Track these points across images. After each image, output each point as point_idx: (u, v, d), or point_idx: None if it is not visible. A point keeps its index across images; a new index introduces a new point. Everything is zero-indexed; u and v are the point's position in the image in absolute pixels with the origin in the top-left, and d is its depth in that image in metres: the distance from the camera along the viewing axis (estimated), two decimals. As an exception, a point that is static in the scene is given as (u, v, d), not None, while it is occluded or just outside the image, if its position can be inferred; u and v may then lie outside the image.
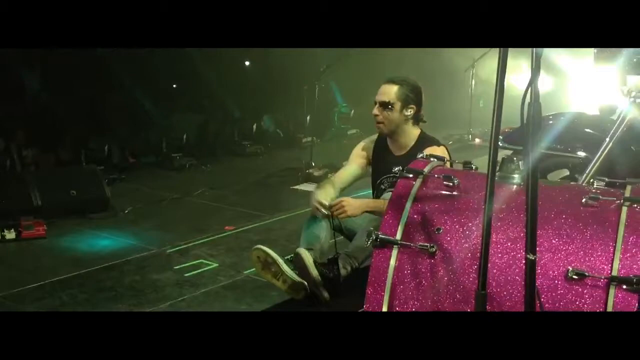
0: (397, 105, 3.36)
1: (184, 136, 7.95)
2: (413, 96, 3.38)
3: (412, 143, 3.43)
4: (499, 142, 1.71)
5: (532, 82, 1.55)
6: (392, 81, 3.39)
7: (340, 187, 3.50)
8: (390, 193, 3.13)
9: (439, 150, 3.29)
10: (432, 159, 2.49)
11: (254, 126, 8.77)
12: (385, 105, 3.37)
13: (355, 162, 3.62)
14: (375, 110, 3.41)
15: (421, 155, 2.57)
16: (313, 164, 7.13)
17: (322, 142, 8.83)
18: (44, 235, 4.72)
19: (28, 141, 6.34)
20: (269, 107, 8.92)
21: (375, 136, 3.62)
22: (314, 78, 7.25)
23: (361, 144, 3.65)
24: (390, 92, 3.37)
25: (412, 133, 3.44)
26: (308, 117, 7.84)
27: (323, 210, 3.22)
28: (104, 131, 7.06)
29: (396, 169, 2.35)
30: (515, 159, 2.26)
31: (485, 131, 9.34)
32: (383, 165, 3.51)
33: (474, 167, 2.52)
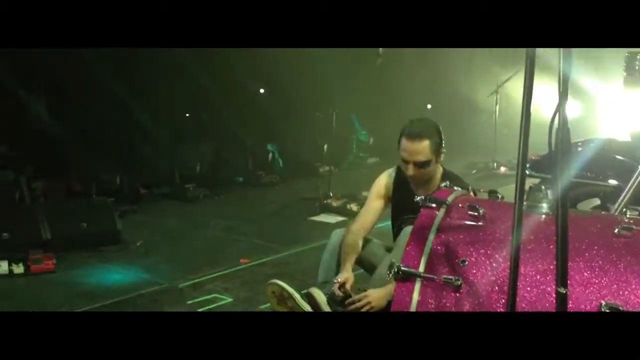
0: (434, 159, 3.34)
1: (197, 166, 8.02)
2: (440, 141, 3.34)
3: (436, 185, 3.38)
4: (526, 170, 1.71)
5: (560, 107, 1.54)
6: (419, 136, 3.28)
7: (367, 234, 3.48)
8: (405, 232, 3.13)
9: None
10: (455, 188, 2.48)
11: (270, 155, 8.84)
12: (423, 165, 3.31)
13: (378, 201, 3.58)
14: (412, 171, 3.31)
15: (444, 184, 2.56)
16: (331, 194, 7.14)
17: (340, 171, 8.86)
18: (53, 269, 4.76)
19: (37, 173, 6.42)
20: (284, 134, 8.98)
21: (393, 169, 3.58)
22: (327, 105, 7.31)
23: (381, 180, 3.59)
24: (423, 150, 3.28)
25: (437, 173, 3.42)
26: (325, 146, 7.88)
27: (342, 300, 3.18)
28: (115, 162, 7.14)
29: (418, 198, 2.34)
30: (543, 187, 2.25)
31: (511, 159, 9.33)
32: (404, 204, 3.47)
33: (499, 196, 2.51)
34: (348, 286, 3.17)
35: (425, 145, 3.29)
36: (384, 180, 3.59)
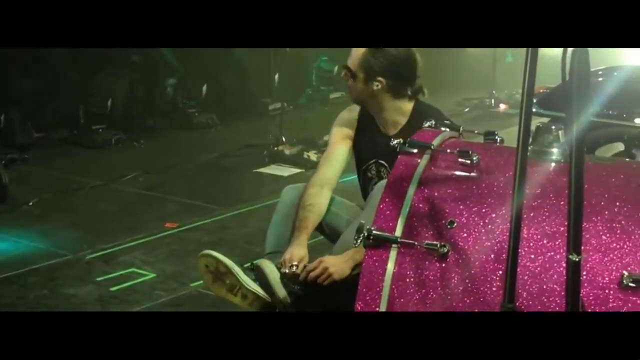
0: (360, 75, 3.35)
1: (109, 102, 7.89)
2: (381, 68, 3.33)
3: (405, 119, 3.43)
4: (533, 107, 1.72)
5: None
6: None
7: (331, 189, 3.48)
8: (379, 187, 3.15)
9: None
10: (443, 129, 2.49)
11: (204, 88, 8.74)
12: (348, 72, 3.38)
13: (341, 144, 3.59)
14: (342, 73, 3.44)
15: (429, 123, 2.56)
16: (283, 139, 7.13)
17: (295, 109, 8.83)
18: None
19: None
20: (223, 63, 8.87)
21: (354, 108, 3.60)
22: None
23: (343, 117, 3.62)
24: (354, 57, 3.33)
25: (401, 108, 3.43)
26: (276, 76, 7.82)
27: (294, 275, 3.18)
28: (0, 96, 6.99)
29: (395, 141, 2.34)
30: (553, 127, 2.27)
31: (513, 94, 9.43)
32: (369, 146, 3.50)
33: (498, 139, 2.53)
34: (301, 267, 3.17)
35: (359, 52, 3.30)
36: (345, 116, 3.61)
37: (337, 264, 3.10)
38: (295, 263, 3.16)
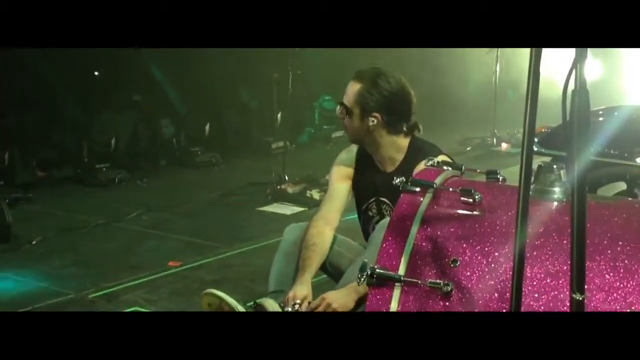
0: (357, 111, 3.37)
1: (112, 141, 7.93)
2: (376, 104, 3.35)
3: (401, 156, 3.44)
4: (534, 146, 1.73)
5: (577, 64, 1.56)
6: (357, 78, 3.39)
7: (334, 228, 3.49)
8: (382, 227, 3.15)
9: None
10: (445, 167, 2.50)
11: (207, 127, 8.78)
12: (345, 110, 3.40)
13: (341, 183, 3.60)
14: (338, 113, 3.46)
15: (431, 162, 2.57)
16: (286, 178, 7.14)
17: (298, 148, 8.86)
18: None
19: None
20: (228, 101, 8.92)
21: (353, 148, 3.62)
22: (287, 64, 7.27)
23: (341, 157, 3.63)
24: (350, 93, 3.37)
25: (395, 143, 3.44)
26: (279, 115, 7.86)
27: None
28: (2, 134, 7.00)
29: (397, 180, 2.35)
30: (555, 167, 2.27)
31: (514, 133, 9.46)
32: (368, 184, 3.52)
33: (500, 177, 2.54)
34: (305, 305, 3.16)
35: (354, 87, 3.36)
36: (344, 157, 3.64)
37: (340, 298, 3.09)
38: (298, 301, 3.15)
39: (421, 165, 3.18)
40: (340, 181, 3.58)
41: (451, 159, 3.33)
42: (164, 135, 8.52)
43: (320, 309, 3.07)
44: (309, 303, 3.15)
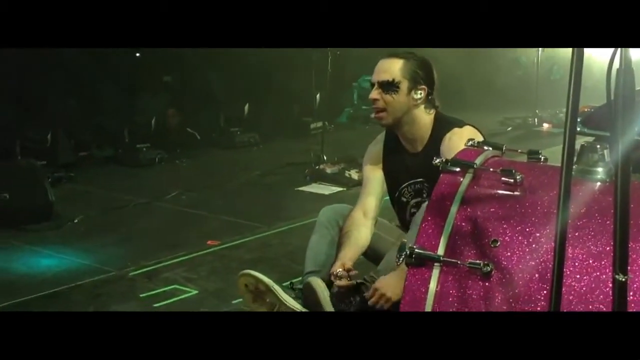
0: (404, 85, 3.35)
1: (152, 121, 8.00)
2: (423, 74, 3.36)
3: (428, 133, 3.42)
4: (577, 126, 1.71)
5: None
6: (395, 55, 3.39)
7: (375, 215, 3.50)
8: (423, 206, 3.14)
9: (466, 132, 3.26)
10: (485, 147, 2.48)
11: (246, 107, 8.81)
12: (387, 87, 3.34)
13: (375, 171, 3.60)
14: (374, 94, 3.38)
15: (471, 142, 2.56)
16: (325, 158, 7.15)
17: (337, 129, 8.85)
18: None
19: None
20: (267, 83, 8.93)
21: (381, 136, 3.62)
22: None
23: (370, 151, 3.65)
24: (393, 68, 3.35)
25: (426, 120, 3.43)
26: (318, 96, 7.86)
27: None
28: (46, 116, 7.09)
29: (437, 160, 2.34)
30: (598, 147, 2.25)
31: (557, 113, 9.36)
32: (399, 170, 3.52)
33: (542, 158, 2.52)
34: (344, 280, 3.16)
35: (397, 64, 3.36)
36: (372, 150, 3.66)
37: (391, 285, 3.05)
38: (339, 271, 3.17)
39: (450, 140, 3.25)
40: (372, 171, 3.60)
41: (477, 128, 3.34)
42: (202, 116, 8.57)
43: (374, 300, 3.04)
44: (351, 278, 3.17)
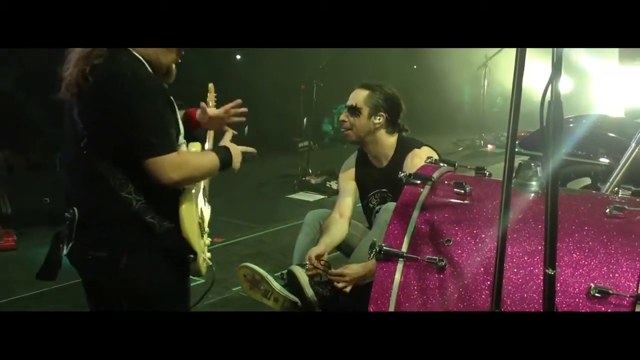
0: (365, 111, 3.42)
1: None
2: (384, 103, 3.44)
3: (392, 152, 3.48)
4: (516, 147, 1.71)
5: (553, 80, 1.54)
6: (364, 86, 3.47)
7: (349, 216, 3.53)
8: (386, 209, 3.16)
9: (424, 152, 3.30)
10: (441, 164, 2.49)
11: (246, 129, 8.77)
12: (352, 110, 3.44)
13: (349, 183, 3.65)
14: (343, 116, 3.48)
15: (429, 160, 2.57)
16: (310, 171, 7.14)
17: (320, 147, 8.84)
18: (13, 246, 4.71)
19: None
20: (263, 108, 8.90)
21: (354, 154, 3.69)
22: (312, 76, 7.27)
23: (345, 166, 3.71)
24: (359, 97, 3.45)
25: (389, 142, 3.49)
26: (305, 119, 7.86)
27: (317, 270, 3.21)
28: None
29: (402, 174, 2.35)
30: (533, 164, 2.26)
31: (499, 136, 9.39)
32: (367, 181, 3.57)
33: (487, 173, 2.52)
34: (317, 263, 3.19)
35: (363, 94, 3.43)
36: (347, 164, 3.70)
37: (355, 271, 3.14)
38: (315, 254, 3.20)
39: (412, 159, 3.29)
40: (346, 181, 3.67)
41: (433, 149, 3.38)
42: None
43: (337, 272, 3.11)
44: (325, 262, 3.20)
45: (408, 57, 9.93)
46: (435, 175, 2.36)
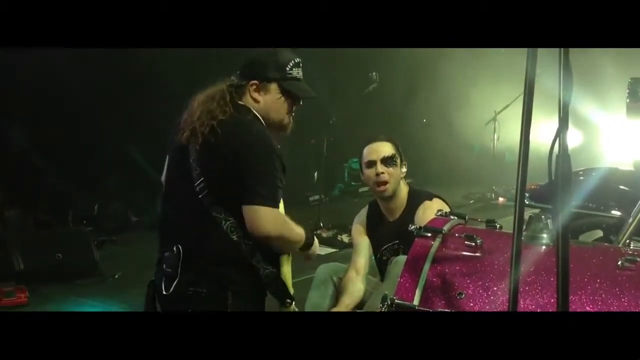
0: (398, 160, 3.40)
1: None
2: (402, 152, 3.44)
3: (405, 203, 3.44)
4: (525, 200, 1.72)
5: (560, 133, 1.55)
6: (383, 138, 3.44)
7: (365, 274, 3.49)
8: (397, 262, 3.15)
9: (435, 204, 3.27)
10: (452, 217, 2.49)
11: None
12: (388, 161, 3.36)
13: (362, 238, 3.61)
14: (379, 168, 3.34)
15: (440, 212, 2.57)
16: (321, 225, 7.14)
17: (331, 200, 8.85)
18: (25, 302, 4.70)
19: (11, 201, 6.37)
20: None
21: (364, 209, 3.65)
22: (321, 130, 7.34)
23: (357, 219, 3.67)
24: (387, 148, 3.40)
25: (404, 193, 3.46)
26: (316, 174, 7.89)
27: None
28: (94, 187, 7.08)
29: (412, 227, 2.35)
30: (543, 217, 2.26)
31: (509, 189, 9.36)
32: (380, 235, 3.53)
33: (498, 225, 2.53)
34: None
35: (387, 143, 3.40)
36: (359, 218, 3.66)
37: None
38: None
39: (423, 211, 3.25)
40: (360, 237, 3.61)
41: (444, 200, 3.35)
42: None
43: None
44: None
45: (418, 110, 10.03)
46: (445, 227, 2.36)
